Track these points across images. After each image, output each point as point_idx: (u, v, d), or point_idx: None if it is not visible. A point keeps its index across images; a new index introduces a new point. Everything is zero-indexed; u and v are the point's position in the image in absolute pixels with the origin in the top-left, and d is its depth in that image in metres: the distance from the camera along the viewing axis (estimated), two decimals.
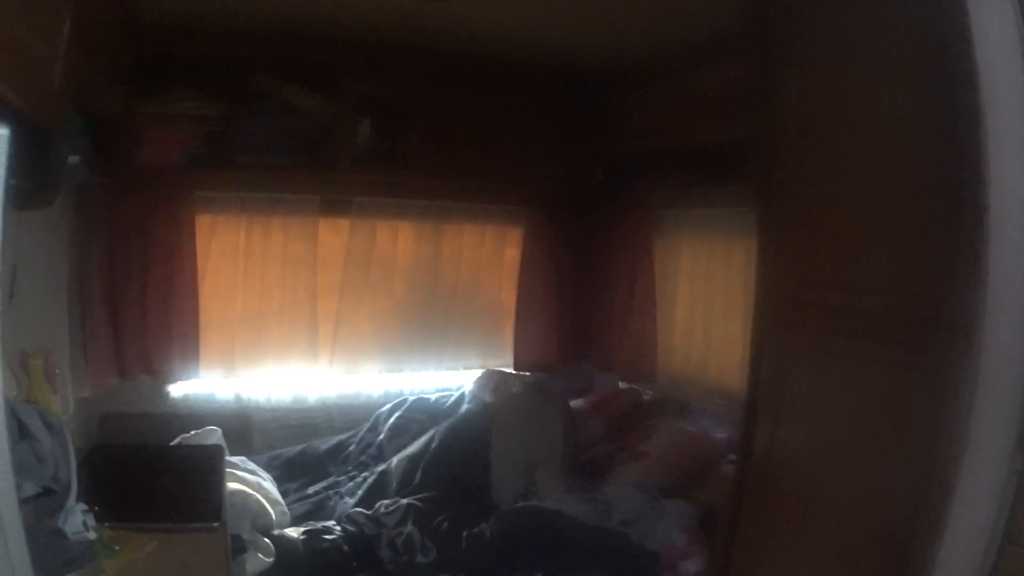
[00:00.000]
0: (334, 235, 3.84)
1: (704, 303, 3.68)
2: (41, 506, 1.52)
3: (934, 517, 1.56)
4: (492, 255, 4.25)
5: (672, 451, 3.39)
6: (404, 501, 3.01)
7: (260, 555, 2.54)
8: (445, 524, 2.89)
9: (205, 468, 2.53)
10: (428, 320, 4.07)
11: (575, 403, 3.87)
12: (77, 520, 1.55)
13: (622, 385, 4.21)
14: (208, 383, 3.66)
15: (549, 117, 4.09)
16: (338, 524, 2.95)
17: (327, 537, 2.81)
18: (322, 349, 3.86)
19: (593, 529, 2.84)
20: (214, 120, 3.40)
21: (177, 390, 3.59)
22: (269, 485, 3.02)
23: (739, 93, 3.05)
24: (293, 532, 2.80)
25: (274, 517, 2.80)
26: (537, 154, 4.04)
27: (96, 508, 1.63)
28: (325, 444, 3.67)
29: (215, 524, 2.01)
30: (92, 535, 1.56)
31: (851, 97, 2.03)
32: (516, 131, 3.97)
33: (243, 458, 3.17)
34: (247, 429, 3.66)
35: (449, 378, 4.19)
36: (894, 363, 1.88)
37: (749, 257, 2.67)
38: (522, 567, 2.69)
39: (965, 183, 1.49)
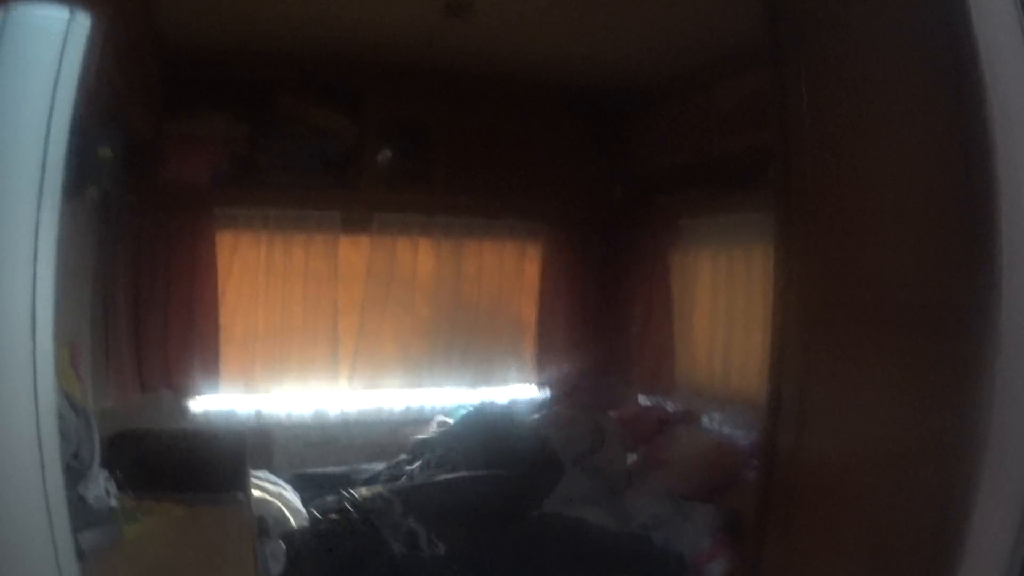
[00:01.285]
0: (355, 252, 3.97)
1: (725, 312, 3.77)
2: None
3: (961, 514, 1.59)
4: (512, 272, 4.37)
5: (694, 458, 3.47)
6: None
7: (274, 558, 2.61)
8: (462, 526, 2.93)
9: (229, 452, 2.60)
10: (449, 337, 4.18)
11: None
12: (99, 486, 1.61)
13: (642, 400, 4.30)
14: (229, 399, 3.76)
15: (569, 135, 4.23)
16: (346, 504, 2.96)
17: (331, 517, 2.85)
18: (343, 365, 3.97)
19: (614, 535, 2.92)
20: (240, 140, 3.55)
21: (197, 406, 3.68)
22: (290, 495, 3.10)
23: (757, 105, 3.18)
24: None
25: (294, 524, 2.87)
26: (557, 171, 4.18)
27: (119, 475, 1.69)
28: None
29: (239, 495, 2.06)
30: (113, 502, 1.62)
31: (865, 100, 2.12)
32: (536, 149, 4.12)
33: (265, 471, 3.24)
34: (268, 446, 3.74)
35: (470, 395, 4.28)
36: (921, 353, 1.96)
37: (769, 263, 2.70)
38: (544, 573, 2.74)
39: (975, 174, 1.57)
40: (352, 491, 3.02)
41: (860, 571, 2.12)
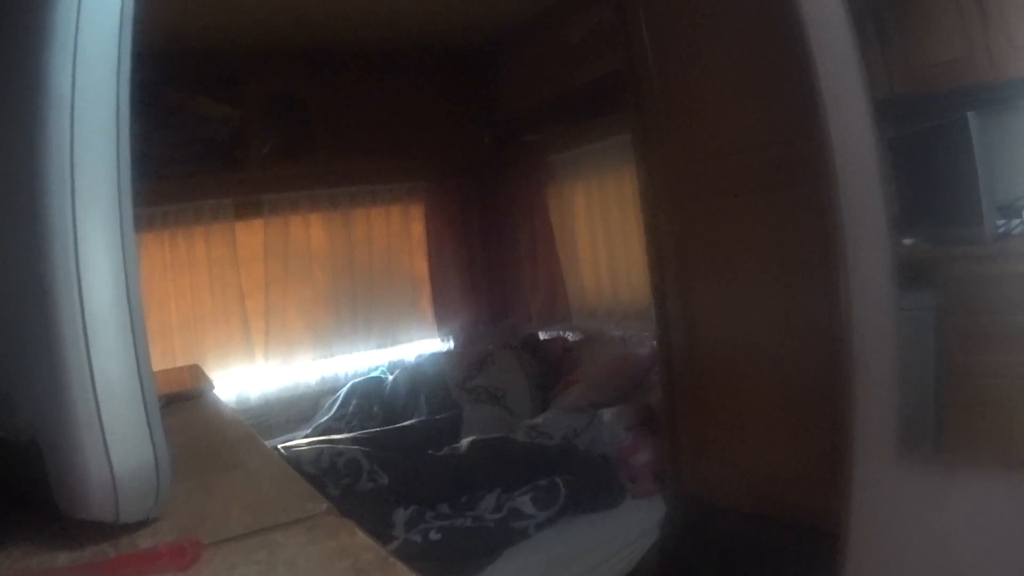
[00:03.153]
0: (251, 235, 5.11)
1: (604, 235, 5.02)
2: None
3: (845, 352, 2.19)
4: (400, 233, 5.69)
5: (600, 371, 4.64)
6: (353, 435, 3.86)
7: None
8: (397, 455, 3.58)
9: None
10: (351, 303, 5.42)
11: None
12: None
13: (542, 336, 5.64)
14: None
15: (435, 92, 5.58)
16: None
17: None
18: (256, 345, 5.11)
19: (541, 446, 3.64)
20: (138, 137, 4.67)
21: None
22: None
23: (603, 35, 4.23)
24: None
25: None
26: (429, 129, 5.52)
27: None
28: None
29: None
30: None
31: (700, 9, 2.93)
32: (407, 110, 5.44)
33: None
34: None
35: (379, 356, 5.57)
36: (776, 204, 2.70)
37: (636, 180, 3.49)
38: (478, 487, 3.36)
39: (793, 43, 2.16)
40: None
41: (773, 427, 2.87)
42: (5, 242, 0.77)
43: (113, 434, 0.74)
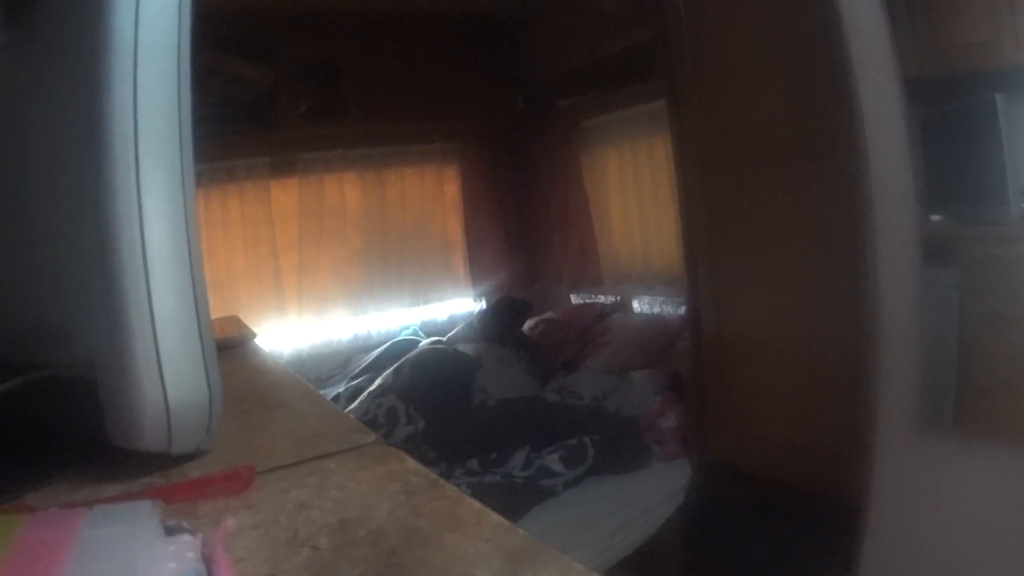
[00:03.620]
0: (286, 194, 5.17)
1: (637, 201, 5.08)
2: None
3: (871, 329, 2.27)
4: (434, 194, 5.74)
5: (630, 336, 4.71)
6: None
7: None
8: (432, 402, 3.68)
9: None
10: (383, 263, 5.49)
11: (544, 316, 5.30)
12: None
13: (574, 299, 5.73)
14: None
15: (468, 58, 5.60)
16: None
17: None
18: (289, 302, 5.19)
19: (570, 406, 3.70)
20: None
21: None
22: None
23: (637, 3, 4.31)
24: None
25: None
26: (462, 93, 5.54)
27: None
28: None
29: None
30: None
31: None
32: (441, 75, 5.46)
33: None
34: None
35: (411, 315, 5.65)
36: (804, 177, 2.73)
37: (667, 145, 3.58)
38: (508, 444, 3.41)
39: (826, 18, 2.25)
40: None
41: (797, 398, 2.93)
42: (69, 180, 0.80)
43: (169, 365, 0.77)
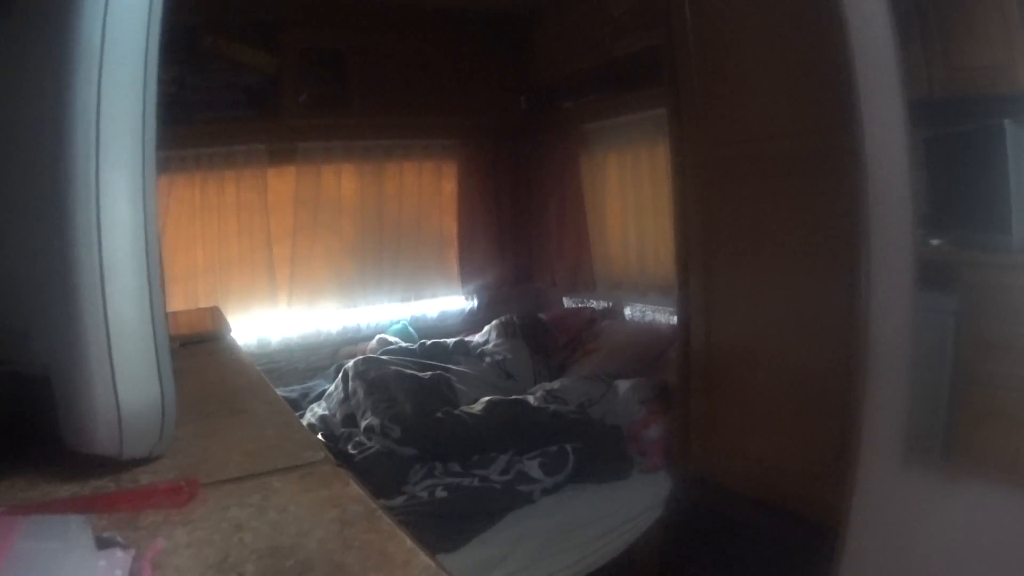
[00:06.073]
0: (282, 182, 5.15)
1: (634, 208, 5.08)
2: None
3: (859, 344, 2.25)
4: (431, 190, 5.72)
5: (620, 343, 4.77)
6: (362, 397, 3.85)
7: None
8: (408, 408, 3.65)
9: None
10: (377, 256, 5.47)
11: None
12: None
13: (567, 302, 5.75)
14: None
15: (474, 55, 5.59)
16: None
17: None
18: (280, 291, 5.17)
19: (554, 412, 3.66)
20: (168, 83, 4.72)
21: None
22: None
23: (645, 9, 4.35)
24: None
25: None
26: (465, 90, 5.52)
27: None
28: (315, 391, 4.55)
29: None
30: None
31: None
32: (445, 70, 5.45)
33: None
34: None
35: (402, 310, 5.65)
36: (803, 192, 2.73)
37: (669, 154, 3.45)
38: (491, 448, 3.40)
39: (833, 35, 2.23)
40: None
41: (783, 417, 2.92)
42: (32, 181, 0.81)
43: (122, 371, 0.78)
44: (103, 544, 0.63)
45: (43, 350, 0.83)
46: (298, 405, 4.41)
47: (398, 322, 5.57)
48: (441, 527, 2.89)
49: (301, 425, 1.08)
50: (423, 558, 0.64)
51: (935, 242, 2.14)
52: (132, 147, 0.77)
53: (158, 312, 0.82)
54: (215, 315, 2.01)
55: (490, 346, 4.87)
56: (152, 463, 0.87)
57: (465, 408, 3.74)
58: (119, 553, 0.62)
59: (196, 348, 1.56)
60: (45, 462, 0.86)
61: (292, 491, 0.81)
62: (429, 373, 4.23)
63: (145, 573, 0.60)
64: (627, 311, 5.30)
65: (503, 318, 5.15)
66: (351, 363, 4.22)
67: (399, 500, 3.05)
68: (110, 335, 0.77)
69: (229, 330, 1.80)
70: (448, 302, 5.90)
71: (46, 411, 0.83)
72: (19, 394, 0.88)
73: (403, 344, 4.99)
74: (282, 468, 0.87)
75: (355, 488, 0.81)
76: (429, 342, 4.86)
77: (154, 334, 0.81)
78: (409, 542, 0.67)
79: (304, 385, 4.90)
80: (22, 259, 0.85)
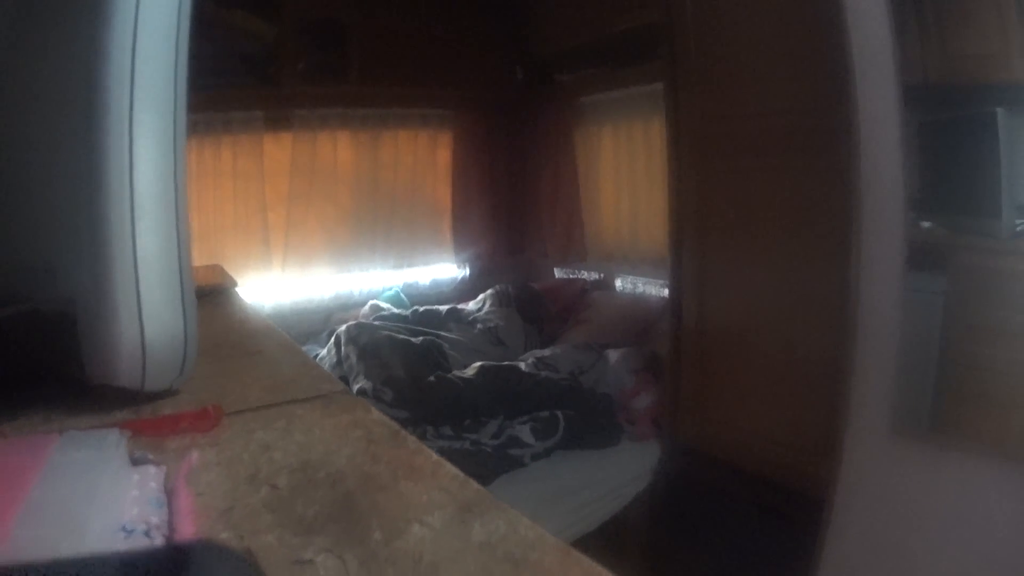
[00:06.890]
0: (279, 149, 5.16)
1: (628, 181, 5.14)
2: None
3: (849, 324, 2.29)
4: (426, 158, 5.75)
5: (611, 314, 4.84)
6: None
7: None
8: (400, 372, 3.72)
9: None
10: (372, 223, 5.50)
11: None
12: None
13: (558, 273, 5.80)
14: None
15: (471, 26, 5.59)
16: None
17: None
18: (274, 257, 5.20)
19: (546, 378, 3.70)
20: None
21: None
22: None
23: None
24: None
25: None
26: (463, 61, 5.54)
27: None
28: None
29: None
30: None
31: None
32: (443, 41, 5.46)
33: None
34: None
35: (394, 277, 5.69)
36: (798, 169, 2.77)
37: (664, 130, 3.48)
38: (483, 412, 3.44)
39: (830, 16, 2.24)
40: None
41: (772, 389, 2.98)
42: (64, 119, 0.83)
43: (148, 305, 0.80)
44: (136, 462, 0.66)
45: (70, 286, 0.84)
46: None
47: (391, 289, 5.60)
48: None
49: (316, 363, 1.10)
50: (449, 467, 0.67)
51: (926, 224, 2.17)
52: (166, 87, 0.80)
53: (185, 249, 0.84)
54: (219, 271, 2.02)
55: (483, 313, 4.91)
56: (172, 397, 0.89)
57: (457, 372, 3.77)
58: (152, 469, 0.64)
59: (204, 300, 1.58)
60: (65, 397, 0.87)
61: (315, 417, 0.84)
62: (421, 338, 4.28)
63: (179, 486, 0.62)
64: (618, 283, 5.38)
65: (498, 287, 5.21)
66: (343, 328, 4.26)
67: None
68: (138, 269, 0.79)
69: (235, 284, 1.82)
70: (441, 270, 5.96)
71: (67, 347, 0.84)
72: (40, 332, 0.89)
73: (396, 311, 5.00)
74: (302, 399, 0.90)
75: (377, 413, 0.84)
76: (422, 309, 4.91)
77: (180, 270, 0.83)
78: (435, 455, 0.70)
79: None
80: (52, 196, 0.86)
